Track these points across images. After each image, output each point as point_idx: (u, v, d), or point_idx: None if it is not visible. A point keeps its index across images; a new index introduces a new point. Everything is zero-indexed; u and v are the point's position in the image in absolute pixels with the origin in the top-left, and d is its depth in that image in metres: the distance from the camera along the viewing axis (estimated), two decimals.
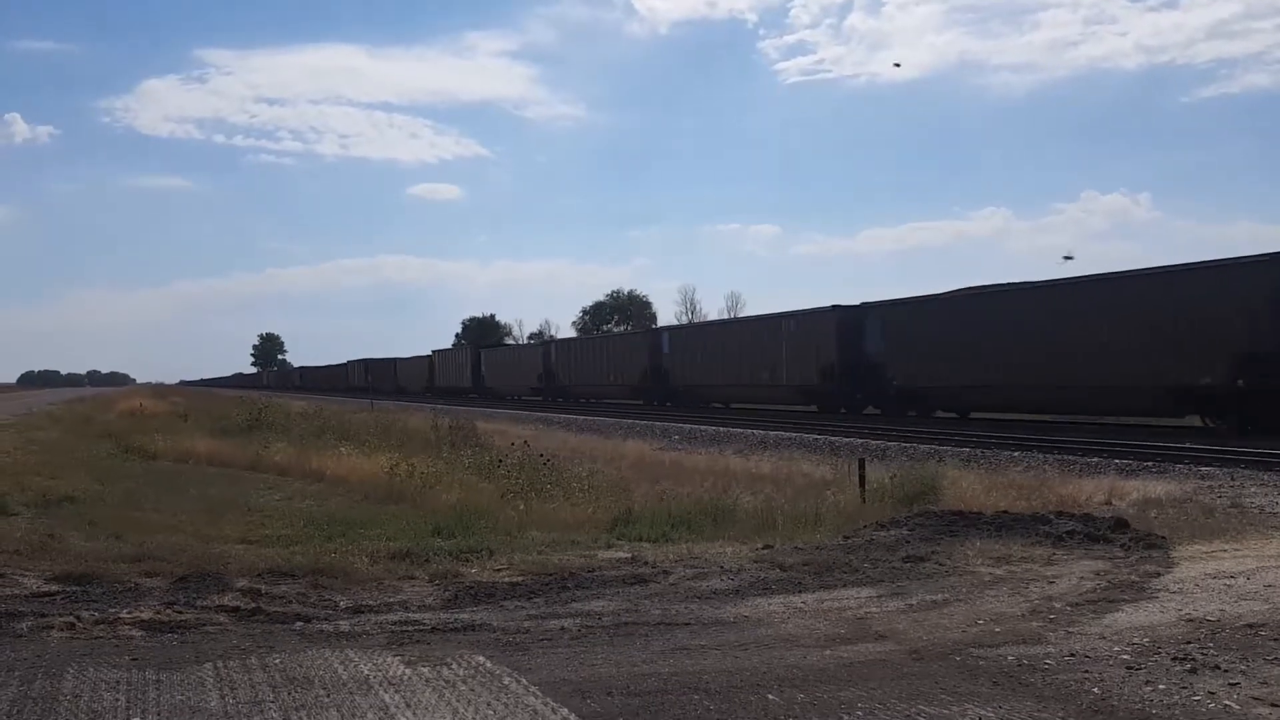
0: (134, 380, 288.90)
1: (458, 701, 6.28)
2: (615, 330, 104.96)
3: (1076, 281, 33.83)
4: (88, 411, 61.08)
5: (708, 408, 53.66)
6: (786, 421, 39.23)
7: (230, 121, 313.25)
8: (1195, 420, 30.07)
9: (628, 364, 64.02)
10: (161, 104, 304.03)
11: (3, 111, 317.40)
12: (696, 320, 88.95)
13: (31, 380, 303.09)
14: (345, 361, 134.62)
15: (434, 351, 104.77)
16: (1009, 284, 36.31)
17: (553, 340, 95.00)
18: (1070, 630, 7.78)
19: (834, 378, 44.24)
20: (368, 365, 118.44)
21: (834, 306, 45.57)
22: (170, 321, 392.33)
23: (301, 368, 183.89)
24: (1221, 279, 28.78)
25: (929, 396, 39.23)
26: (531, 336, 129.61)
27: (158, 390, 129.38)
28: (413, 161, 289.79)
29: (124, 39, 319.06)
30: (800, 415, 43.53)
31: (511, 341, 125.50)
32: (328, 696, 6.38)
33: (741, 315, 59.60)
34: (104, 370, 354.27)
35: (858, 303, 44.82)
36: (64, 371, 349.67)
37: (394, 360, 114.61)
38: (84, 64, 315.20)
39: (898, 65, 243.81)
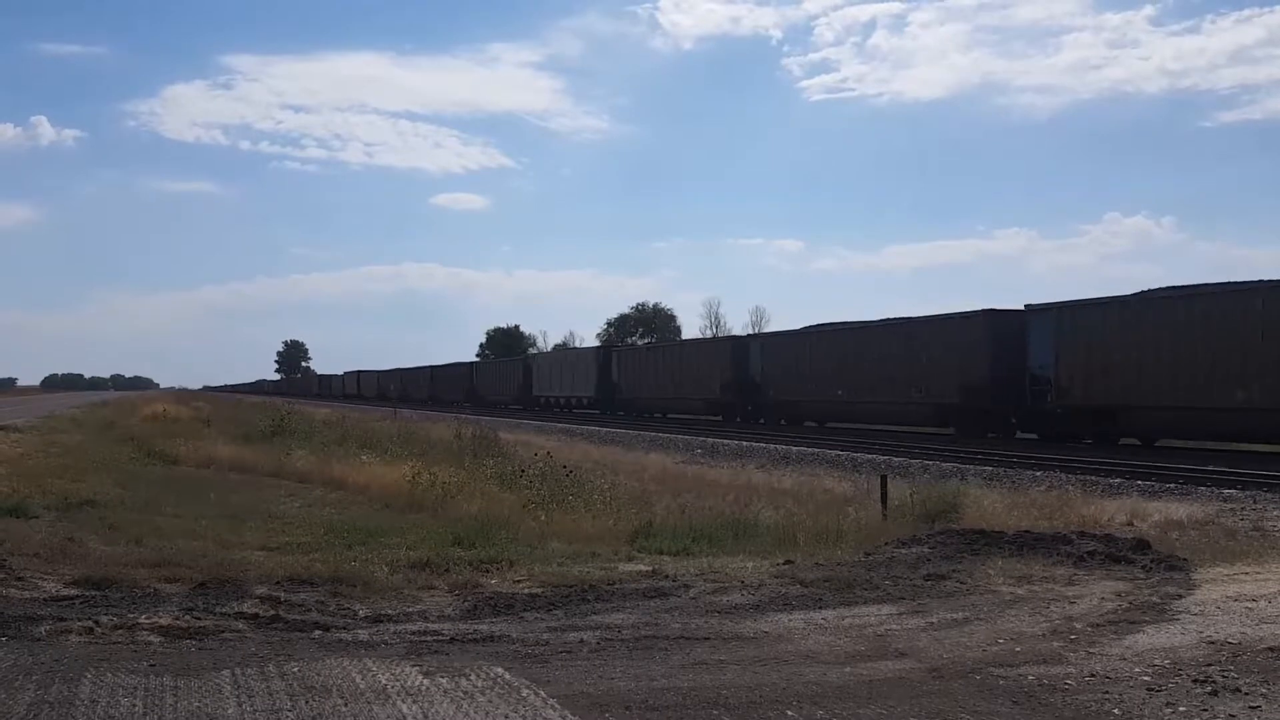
0: (157, 385, 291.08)
1: (475, 713, 6.28)
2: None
3: (692, 341, 75.95)
4: (110, 416, 61.31)
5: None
6: (808, 437, 39.21)
7: (256, 128, 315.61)
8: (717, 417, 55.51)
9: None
10: (187, 109, 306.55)
11: (30, 114, 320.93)
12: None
13: (55, 384, 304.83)
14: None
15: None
16: (670, 341, 74.02)
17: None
18: (1091, 651, 7.73)
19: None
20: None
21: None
22: (194, 326, 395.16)
23: (288, 377, 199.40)
24: (709, 348, 62.97)
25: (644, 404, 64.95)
26: (556, 347, 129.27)
27: (181, 395, 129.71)
28: (437, 171, 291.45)
29: (150, 44, 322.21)
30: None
31: (536, 350, 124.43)
32: (345, 706, 6.38)
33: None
34: (128, 374, 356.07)
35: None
36: (87, 375, 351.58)
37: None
38: (110, 68, 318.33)
39: None
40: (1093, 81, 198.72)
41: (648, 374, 65.09)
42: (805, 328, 50.51)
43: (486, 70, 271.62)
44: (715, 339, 74.48)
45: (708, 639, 8.29)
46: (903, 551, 11.98)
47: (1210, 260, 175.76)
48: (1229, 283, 30.99)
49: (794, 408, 49.26)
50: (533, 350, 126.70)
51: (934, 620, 8.86)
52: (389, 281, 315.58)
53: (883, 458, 29.21)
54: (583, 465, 24.72)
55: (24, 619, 8.51)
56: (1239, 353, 28.81)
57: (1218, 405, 29.34)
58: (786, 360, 49.91)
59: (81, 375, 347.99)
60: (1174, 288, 32.43)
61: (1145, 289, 33.38)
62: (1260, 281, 29.39)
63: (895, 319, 43.30)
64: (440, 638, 8.30)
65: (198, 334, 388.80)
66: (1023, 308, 37.11)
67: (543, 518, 16.27)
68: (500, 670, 7.23)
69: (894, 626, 8.69)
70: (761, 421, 50.88)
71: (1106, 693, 6.68)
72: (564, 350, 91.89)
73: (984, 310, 38.63)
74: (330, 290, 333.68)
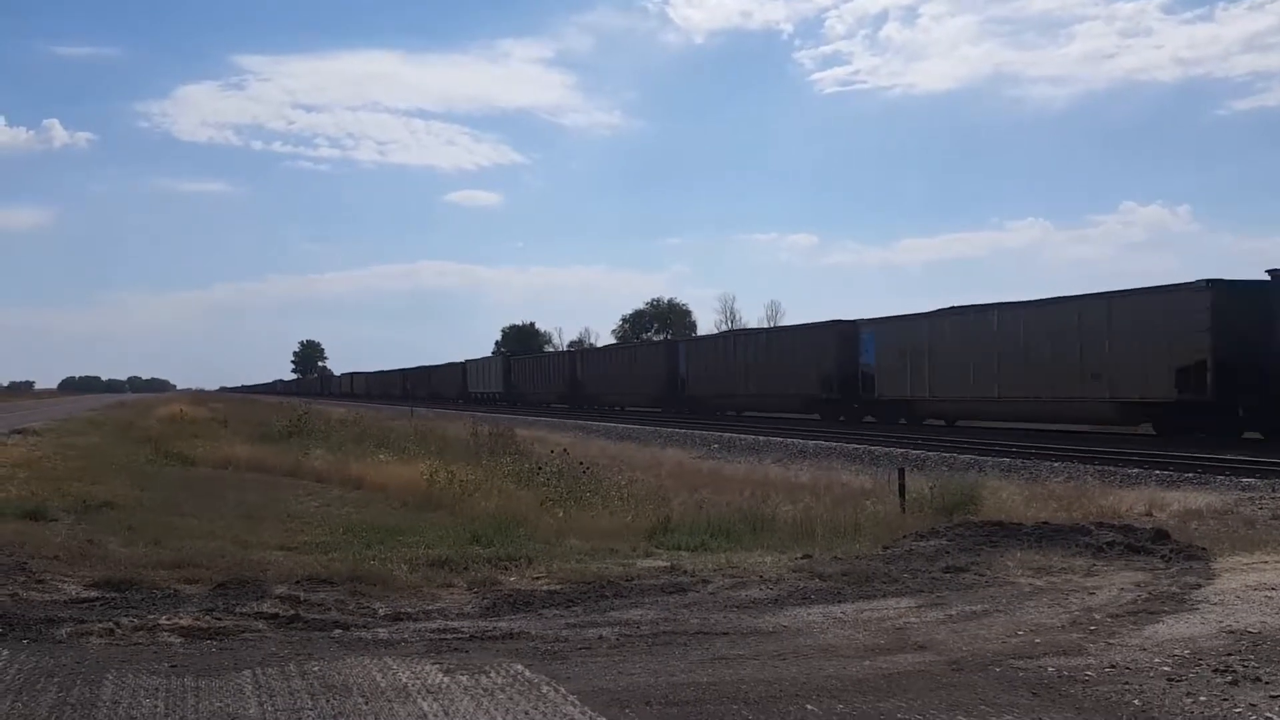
0: (174, 386, 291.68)
1: (496, 710, 6.29)
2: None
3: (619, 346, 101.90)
4: (128, 417, 61.40)
5: None
6: (826, 431, 39.23)
7: (268, 127, 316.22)
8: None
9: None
10: (199, 109, 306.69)
11: (42, 117, 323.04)
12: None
13: (72, 386, 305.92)
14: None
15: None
16: (538, 353, 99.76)
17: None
18: (1110, 642, 7.71)
19: None
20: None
21: None
22: (208, 327, 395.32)
23: (303, 377, 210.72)
24: (558, 359, 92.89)
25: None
26: (571, 344, 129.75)
27: (197, 396, 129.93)
28: (450, 168, 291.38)
29: (161, 45, 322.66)
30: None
31: (552, 349, 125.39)
32: (366, 704, 6.40)
33: None
34: (144, 376, 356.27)
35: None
36: (104, 377, 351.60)
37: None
38: (121, 70, 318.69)
39: None
40: (1106, 71, 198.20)
41: (529, 377, 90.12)
42: (612, 345, 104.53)
43: (497, 66, 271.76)
44: (560, 353, 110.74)
45: (726, 634, 8.29)
46: (921, 544, 11.96)
47: (1227, 249, 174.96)
48: (774, 327, 64.78)
49: (598, 398, 72.21)
50: (548, 347, 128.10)
51: (953, 613, 8.85)
52: (404, 279, 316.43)
53: (900, 450, 29.17)
54: (599, 461, 24.73)
55: (45, 621, 8.54)
56: (751, 364, 53.29)
57: (738, 393, 54.56)
58: (600, 367, 76.72)
59: (98, 377, 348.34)
60: (740, 330, 66.68)
61: (731, 328, 72.59)
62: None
63: (639, 342, 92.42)
64: (460, 635, 8.31)
65: (212, 335, 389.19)
66: (674, 338, 68.21)
67: (560, 515, 16.27)
68: (520, 667, 7.24)
69: (913, 619, 8.69)
70: (584, 408, 70.96)
71: (1126, 683, 6.67)
72: (482, 359, 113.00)
73: (665, 340, 71.29)
74: (345, 289, 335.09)
